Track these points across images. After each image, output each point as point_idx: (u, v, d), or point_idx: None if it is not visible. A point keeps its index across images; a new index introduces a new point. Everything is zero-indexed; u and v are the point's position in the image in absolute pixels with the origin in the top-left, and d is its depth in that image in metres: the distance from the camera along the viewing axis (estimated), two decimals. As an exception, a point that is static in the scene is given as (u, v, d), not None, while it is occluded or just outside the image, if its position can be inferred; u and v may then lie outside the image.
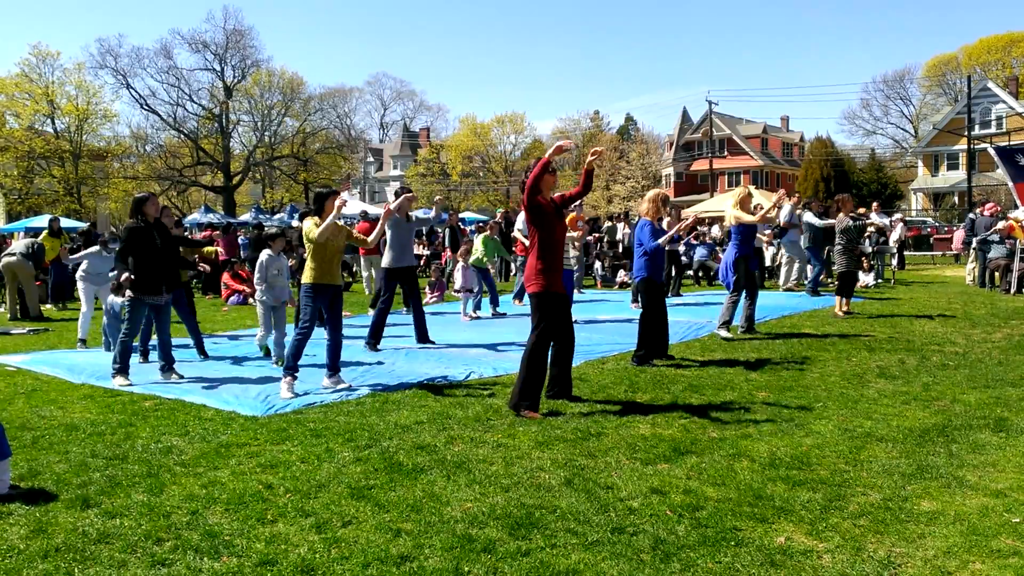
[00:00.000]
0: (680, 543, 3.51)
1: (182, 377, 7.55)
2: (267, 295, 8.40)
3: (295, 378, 6.74)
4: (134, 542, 3.62)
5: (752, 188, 13.49)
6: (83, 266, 10.01)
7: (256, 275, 8.59)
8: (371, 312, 12.70)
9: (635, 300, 13.30)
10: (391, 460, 4.75)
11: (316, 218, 6.93)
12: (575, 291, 15.54)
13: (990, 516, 3.76)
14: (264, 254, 8.55)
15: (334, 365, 7.01)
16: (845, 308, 11.30)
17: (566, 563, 3.33)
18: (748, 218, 9.51)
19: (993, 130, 45.33)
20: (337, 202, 6.83)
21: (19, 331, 11.74)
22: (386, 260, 9.40)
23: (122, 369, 7.38)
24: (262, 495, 4.20)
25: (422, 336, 9.49)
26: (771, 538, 3.56)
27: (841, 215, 11.45)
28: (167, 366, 7.61)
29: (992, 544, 3.45)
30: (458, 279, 12.69)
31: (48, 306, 15.17)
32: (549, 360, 6.17)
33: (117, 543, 3.61)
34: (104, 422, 5.84)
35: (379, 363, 8.23)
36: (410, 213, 9.58)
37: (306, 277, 6.90)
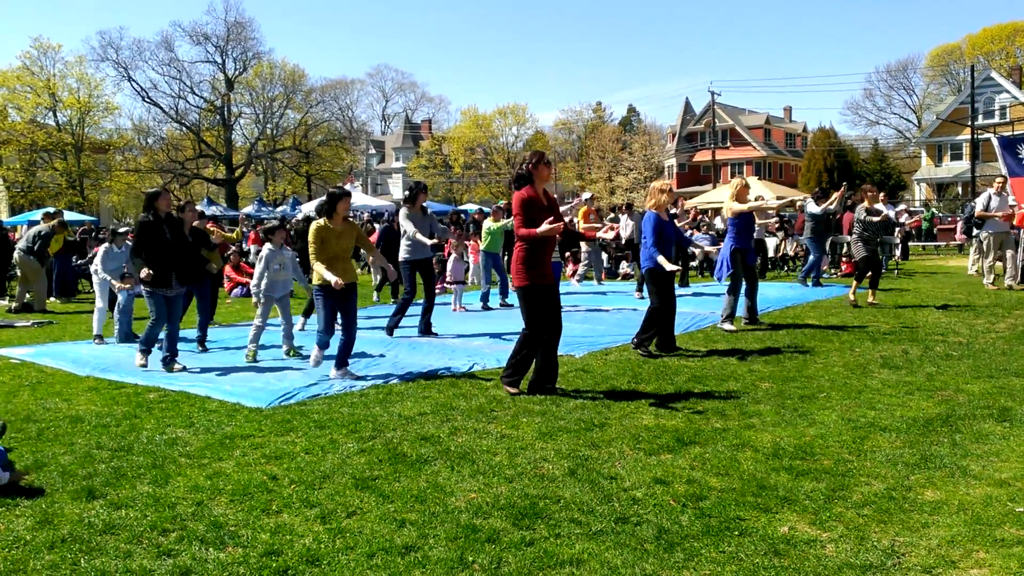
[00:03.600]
0: (684, 533, 3.52)
1: (184, 369, 7.57)
2: (269, 289, 8.35)
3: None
4: (140, 533, 3.63)
5: (754, 179, 13.23)
6: (96, 262, 10.03)
7: (257, 269, 8.53)
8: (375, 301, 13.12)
9: (639, 289, 13.25)
10: (395, 451, 4.76)
11: (324, 220, 7.03)
12: (584, 282, 15.67)
13: (994, 505, 3.76)
14: (265, 248, 8.50)
15: (343, 359, 7.07)
16: (871, 299, 11.20)
17: (570, 553, 3.34)
18: (739, 207, 9.38)
19: (997, 120, 45.14)
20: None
21: (23, 324, 11.77)
22: (403, 253, 9.42)
23: (146, 351, 7.77)
24: (267, 486, 4.22)
25: (426, 328, 9.49)
26: (775, 528, 3.56)
27: (864, 204, 11.31)
28: (170, 358, 7.63)
29: (996, 533, 3.45)
30: (449, 271, 12.62)
31: (52, 299, 15.18)
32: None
33: (123, 534, 3.62)
34: (109, 414, 5.86)
35: (382, 355, 8.24)
36: (424, 205, 9.59)
37: (315, 278, 7.00)
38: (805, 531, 3.53)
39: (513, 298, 12.72)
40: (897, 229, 18.68)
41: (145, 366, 7.64)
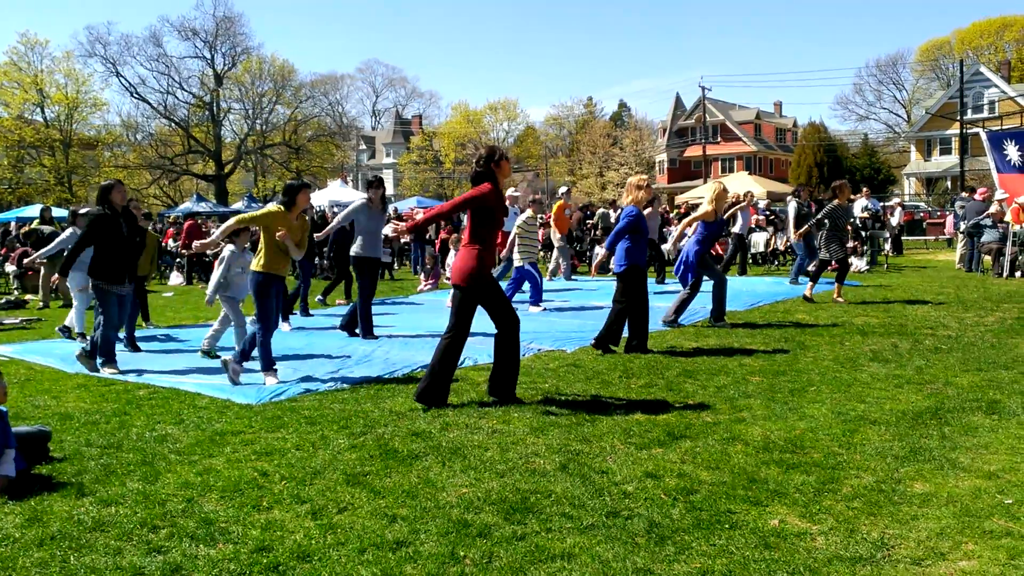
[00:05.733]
0: (674, 526, 3.53)
1: (121, 372, 7.24)
2: (232, 291, 7.98)
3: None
4: (129, 530, 3.61)
5: (745, 174, 13.15)
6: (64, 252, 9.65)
7: (216, 272, 8.05)
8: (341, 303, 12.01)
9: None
10: (386, 447, 4.75)
11: (279, 207, 6.72)
12: (563, 279, 15.64)
13: (982, 497, 3.79)
14: (227, 250, 8.02)
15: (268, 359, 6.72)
16: (836, 296, 11.20)
17: (561, 547, 3.34)
18: (702, 210, 9.22)
19: (985, 114, 45.35)
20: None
21: (12, 321, 11.69)
22: (355, 248, 8.97)
23: (108, 360, 7.31)
24: (257, 482, 4.20)
25: (348, 325, 9.18)
26: (765, 521, 3.57)
27: (837, 201, 11.15)
28: (109, 359, 7.32)
29: (984, 525, 3.48)
30: (448, 267, 12.58)
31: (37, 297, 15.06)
32: (494, 354, 5.91)
33: (112, 531, 3.61)
34: (98, 411, 5.83)
35: (374, 351, 8.22)
36: (384, 200, 9.20)
37: (255, 264, 6.68)
38: (795, 524, 3.54)
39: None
40: (895, 222, 18.75)
41: (116, 372, 7.21)
